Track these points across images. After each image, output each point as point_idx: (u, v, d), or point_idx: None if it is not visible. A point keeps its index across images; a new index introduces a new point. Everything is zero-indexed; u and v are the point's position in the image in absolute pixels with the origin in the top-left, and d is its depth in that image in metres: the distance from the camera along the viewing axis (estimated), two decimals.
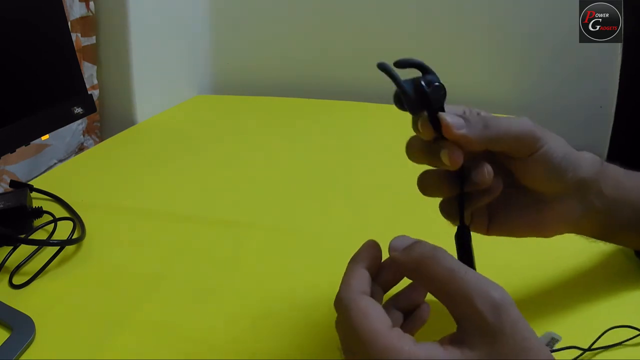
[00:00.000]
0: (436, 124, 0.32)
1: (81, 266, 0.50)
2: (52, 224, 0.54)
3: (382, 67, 0.30)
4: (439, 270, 0.27)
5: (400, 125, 0.37)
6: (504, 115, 0.37)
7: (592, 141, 1.08)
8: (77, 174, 0.73)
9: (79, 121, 0.89)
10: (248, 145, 0.84)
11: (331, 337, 0.29)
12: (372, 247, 0.31)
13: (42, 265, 0.48)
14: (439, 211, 0.37)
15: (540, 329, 0.38)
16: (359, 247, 0.31)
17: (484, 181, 0.33)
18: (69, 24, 0.83)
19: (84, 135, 0.92)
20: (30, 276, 0.47)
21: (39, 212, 0.55)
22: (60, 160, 0.86)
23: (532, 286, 0.44)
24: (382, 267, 0.31)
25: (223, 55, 1.20)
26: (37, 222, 0.55)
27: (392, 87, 0.31)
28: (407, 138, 0.35)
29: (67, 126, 0.84)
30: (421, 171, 0.36)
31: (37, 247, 0.51)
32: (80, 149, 0.92)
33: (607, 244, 0.42)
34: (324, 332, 0.39)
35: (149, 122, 0.95)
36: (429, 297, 0.29)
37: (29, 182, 0.64)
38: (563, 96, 1.08)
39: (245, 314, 0.43)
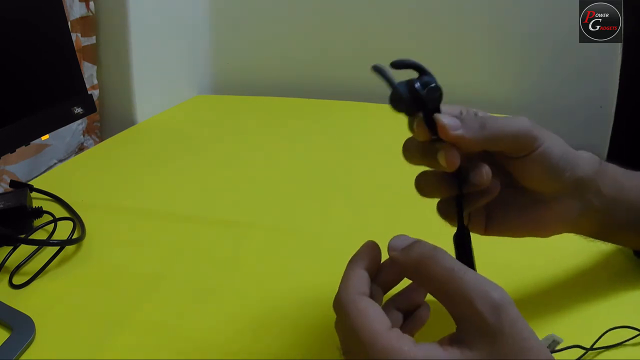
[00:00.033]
0: (432, 125, 0.32)
1: (81, 266, 0.50)
2: (52, 224, 0.54)
3: (376, 69, 0.30)
4: (438, 270, 0.27)
5: (400, 125, 0.36)
6: (503, 115, 0.37)
7: (592, 141, 1.08)
8: (77, 174, 0.73)
9: (79, 121, 0.89)
10: (248, 145, 0.84)
11: (331, 337, 0.29)
12: (371, 247, 0.31)
13: (42, 265, 0.48)
14: None
15: (540, 329, 0.37)
16: (358, 247, 0.31)
17: (482, 182, 0.33)
18: (69, 24, 0.83)
19: (84, 135, 0.92)
20: (30, 276, 0.47)
21: (39, 212, 0.55)
22: (60, 160, 0.86)
23: (531, 286, 0.44)
24: (381, 268, 0.31)
25: (223, 55, 1.20)
26: (37, 222, 0.55)
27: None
28: (407, 138, 0.35)
29: (67, 126, 0.84)
30: (420, 171, 0.36)
31: (37, 247, 0.51)
32: (80, 149, 0.92)
33: (606, 243, 0.42)
34: (324, 332, 0.39)
35: (149, 122, 0.95)
36: (429, 297, 0.29)
37: (29, 182, 0.64)
38: (563, 96, 1.08)
39: (245, 314, 0.43)
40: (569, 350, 0.36)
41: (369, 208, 0.62)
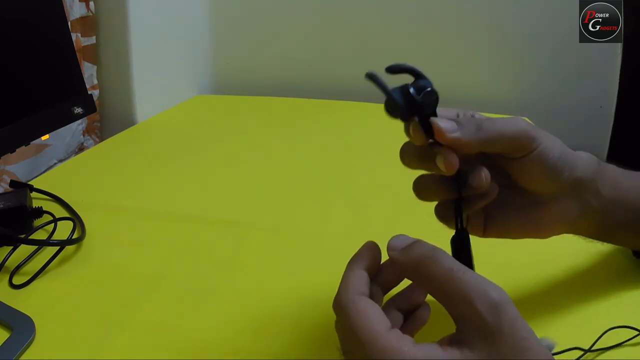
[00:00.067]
0: (428, 129, 0.32)
1: (81, 266, 0.50)
2: (52, 224, 0.54)
3: (370, 77, 0.30)
4: (437, 270, 0.27)
5: (400, 125, 0.37)
6: (502, 116, 0.37)
7: (592, 141, 1.08)
8: (77, 174, 0.73)
9: (79, 121, 0.89)
10: (248, 145, 0.84)
11: (331, 337, 0.29)
12: (371, 248, 0.31)
13: (42, 265, 0.48)
14: None
15: (539, 329, 0.37)
16: (358, 247, 0.31)
17: (482, 185, 0.33)
18: (69, 24, 0.83)
19: (84, 135, 0.92)
20: (30, 276, 0.47)
21: (39, 212, 0.55)
22: (60, 160, 0.86)
23: (530, 286, 0.44)
24: (381, 268, 0.31)
25: (223, 55, 1.20)
26: (37, 222, 0.55)
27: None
28: (407, 138, 0.35)
29: (67, 126, 0.84)
30: (418, 173, 0.36)
31: (37, 247, 0.51)
32: (80, 149, 0.92)
33: (605, 244, 0.42)
34: (324, 332, 0.39)
35: (149, 122, 0.95)
36: (429, 297, 0.29)
37: (29, 182, 0.64)
38: (563, 96, 1.08)
39: (245, 314, 0.43)
40: (570, 351, 0.36)
41: (369, 208, 0.62)
